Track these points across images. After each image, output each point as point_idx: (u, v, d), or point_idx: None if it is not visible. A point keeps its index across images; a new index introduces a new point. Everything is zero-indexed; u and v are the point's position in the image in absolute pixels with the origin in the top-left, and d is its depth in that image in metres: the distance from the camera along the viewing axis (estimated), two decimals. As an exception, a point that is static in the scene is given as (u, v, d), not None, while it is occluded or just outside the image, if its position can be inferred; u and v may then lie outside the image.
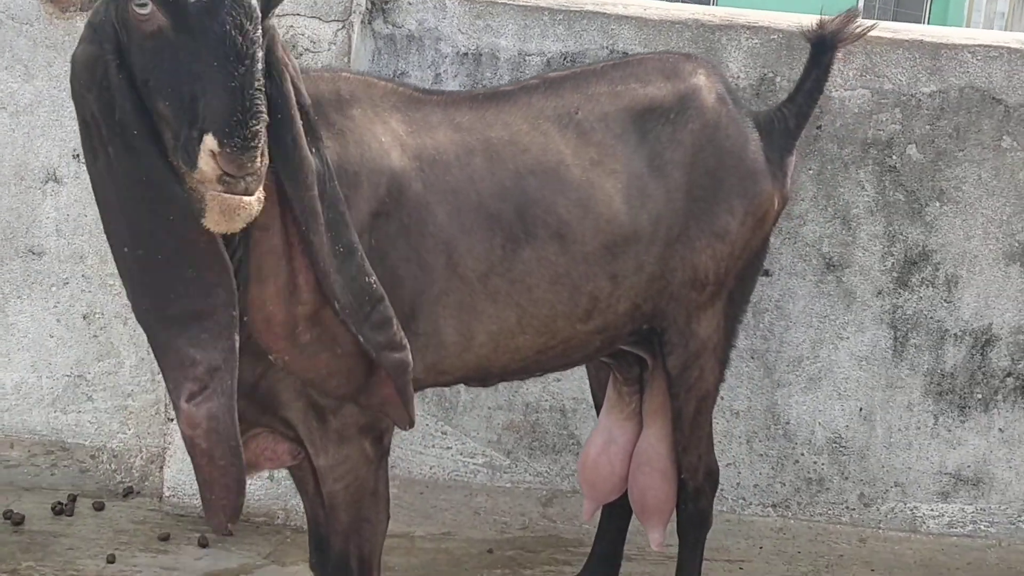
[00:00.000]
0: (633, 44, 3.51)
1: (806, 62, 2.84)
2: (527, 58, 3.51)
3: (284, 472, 3.47)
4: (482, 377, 2.65)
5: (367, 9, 3.46)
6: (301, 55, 3.32)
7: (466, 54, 3.51)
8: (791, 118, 2.80)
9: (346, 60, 3.33)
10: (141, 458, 3.68)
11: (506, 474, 3.68)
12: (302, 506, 3.44)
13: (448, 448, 3.68)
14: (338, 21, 3.32)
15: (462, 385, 3.07)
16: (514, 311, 2.50)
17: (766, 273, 3.58)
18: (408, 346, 2.29)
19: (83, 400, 3.67)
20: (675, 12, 3.58)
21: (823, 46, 2.80)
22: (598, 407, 3.09)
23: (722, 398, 3.65)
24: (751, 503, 3.70)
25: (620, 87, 2.64)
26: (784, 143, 2.79)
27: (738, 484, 3.68)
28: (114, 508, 3.52)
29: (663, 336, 2.71)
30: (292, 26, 3.31)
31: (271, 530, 3.48)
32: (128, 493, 3.61)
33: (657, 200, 2.60)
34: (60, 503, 3.48)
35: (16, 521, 3.37)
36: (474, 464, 3.68)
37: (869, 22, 2.93)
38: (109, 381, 3.66)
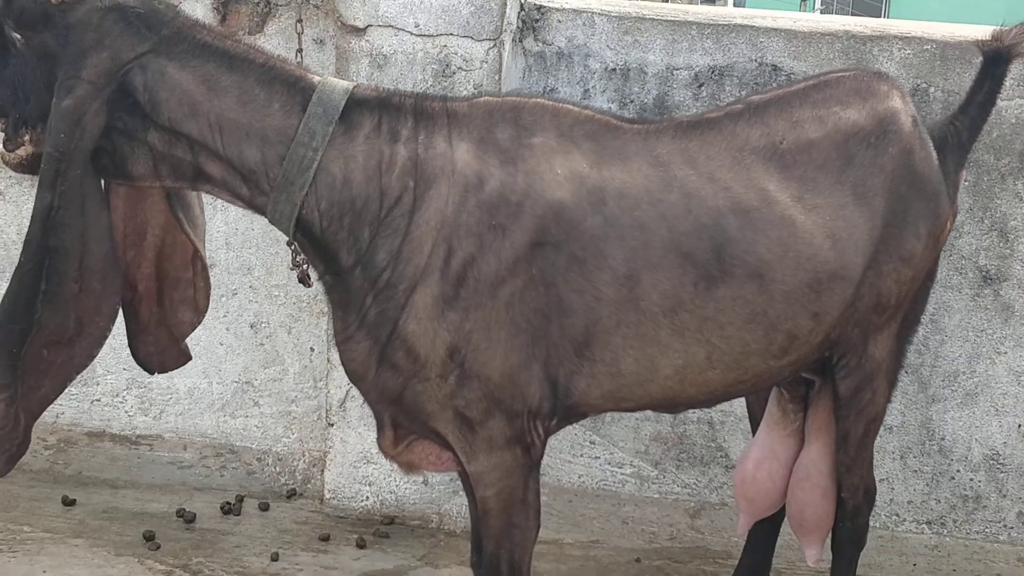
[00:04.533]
0: (782, 56, 3.51)
1: (978, 73, 2.75)
2: (675, 72, 3.55)
3: (439, 477, 3.58)
4: (668, 406, 2.66)
5: (518, 27, 3.55)
6: (454, 73, 3.43)
7: (614, 69, 3.57)
8: (964, 131, 2.72)
9: (497, 78, 3.42)
10: (304, 462, 3.84)
11: (654, 484, 3.71)
12: (455, 511, 3.57)
13: (596, 458, 3.73)
14: (490, 40, 3.41)
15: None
16: (703, 348, 2.48)
17: None
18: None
19: (250, 405, 3.86)
20: (825, 24, 3.56)
21: (998, 58, 2.70)
22: (753, 421, 3.08)
23: (874, 412, 3.62)
24: (905, 519, 3.64)
25: (823, 111, 2.57)
26: (957, 158, 2.72)
27: (891, 500, 3.63)
28: (278, 509, 3.68)
29: (840, 360, 2.67)
30: (445, 45, 3.42)
31: (425, 533, 3.59)
32: (291, 495, 3.77)
33: (862, 230, 2.54)
34: (228, 503, 3.66)
35: (188, 519, 3.56)
36: (622, 474, 3.73)
37: None
38: (274, 387, 3.84)
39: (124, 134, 2.36)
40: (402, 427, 2.54)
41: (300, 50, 3.59)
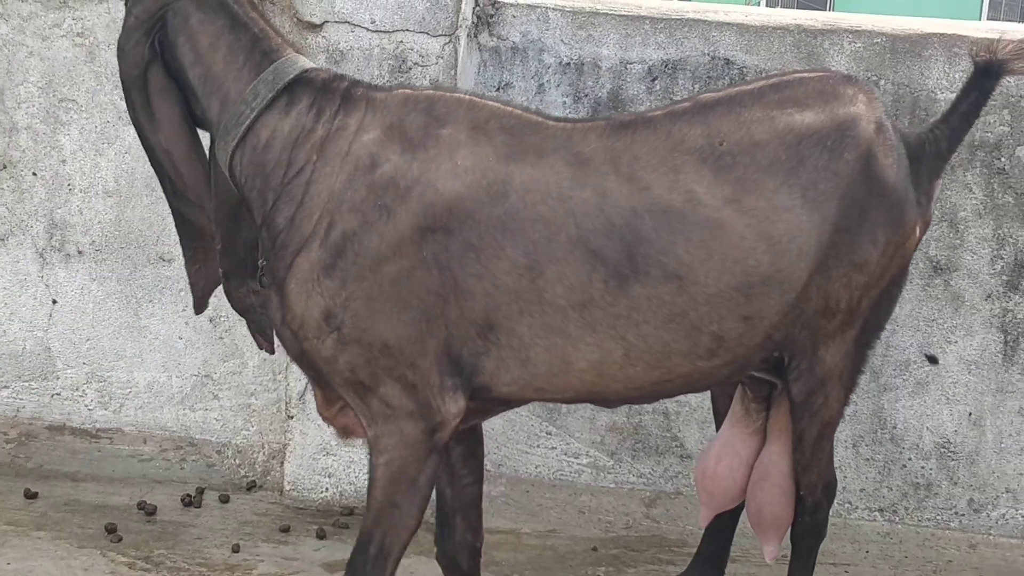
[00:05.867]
0: (735, 50, 3.54)
1: (965, 83, 2.68)
2: (629, 67, 3.58)
3: (397, 469, 3.62)
4: (597, 400, 2.67)
5: (473, 23, 3.58)
6: (410, 69, 3.46)
7: (568, 64, 3.60)
8: (943, 141, 2.67)
9: (453, 73, 3.46)
10: (263, 454, 3.87)
11: (610, 474, 3.75)
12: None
13: (553, 448, 3.77)
14: (445, 35, 3.44)
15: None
16: (619, 344, 2.49)
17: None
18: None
19: (210, 398, 3.89)
20: (777, 17, 3.60)
21: (989, 71, 2.63)
22: (717, 415, 3.09)
23: (826, 401, 3.66)
24: (857, 507, 3.69)
25: (776, 111, 2.54)
26: (933, 167, 2.67)
27: (844, 488, 3.67)
28: (238, 501, 3.72)
29: (791, 362, 2.66)
30: (401, 41, 3.45)
31: (384, 524, 3.63)
32: (251, 487, 3.80)
33: (809, 234, 2.51)
34: (189, 495, 3.68)
35: (149, 511, 3.59)
36: (578, 464, 3.77)
37: None
38: (234, 380, 3.87)
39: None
40: (325, 387, 2.64)
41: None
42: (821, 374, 2.66)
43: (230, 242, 2.69)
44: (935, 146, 2.66)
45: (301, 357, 2.58)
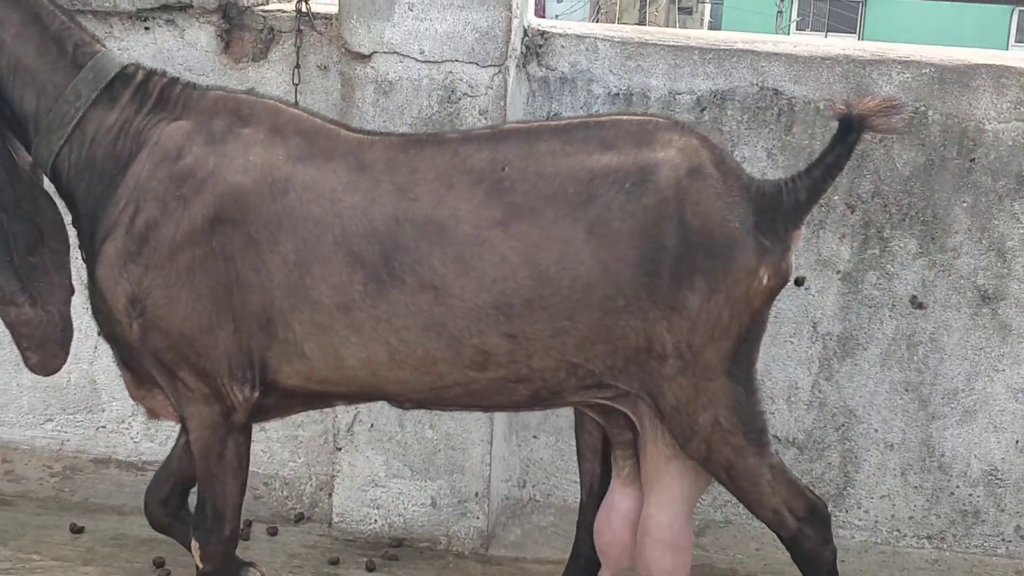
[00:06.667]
0: (783, 80, 3.55)
1: (832, 137, 2.62)
2: (677, 97, 3.59)
3: (446, 499, 3.61)
4: (383, 398, 2.74)
5: (522, 53, 3.58)
6: (460, 99, 3.45)
7: (617, 94, 3.60)
8: (803, 191, 2.61)
9: (502, 103, 3.45)
10: (311, 485, 3.86)
11: (660, 504, 3.74)
12: (463, 532, 3.60)
13: (603, 478, 3.76)
14: (494, 66, 3.44)
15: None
16: (383, 346, 2.59)
17: (920, 306, 3.58)
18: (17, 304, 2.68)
19: (256, 430, 3.77)
20: (825, 48, 3.61)
21: (850, 126, 2.58)
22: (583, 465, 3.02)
23: (876, 430, 3.68)
24: (906, 535, 3.70)
25: (572, 148, 2.58)
26: (791, 216, 2.61)
27: (893, 516, 3.69)
28: (287, 533, 3.69)
29: (648, 398, 2.64)
30: (451, 72, 3.44)
31: (434, 555, 3.62)
32: (299, 519, 3.78)
33: (590, 268, 2.53)
34: (237, 528, 3.67)
35: (197, 544, 3.58)
36: (628, 494, 3.76)
37: (906, 109, 2.60)
38: (280, 412, 3.84)
39: None
40: (135, 369, 2.79)
41: (297, 83, 3.62)
42: (689, 422, 2.62)
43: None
44: (793, 196, 2.61)
45: (111, 338, 2.73)
